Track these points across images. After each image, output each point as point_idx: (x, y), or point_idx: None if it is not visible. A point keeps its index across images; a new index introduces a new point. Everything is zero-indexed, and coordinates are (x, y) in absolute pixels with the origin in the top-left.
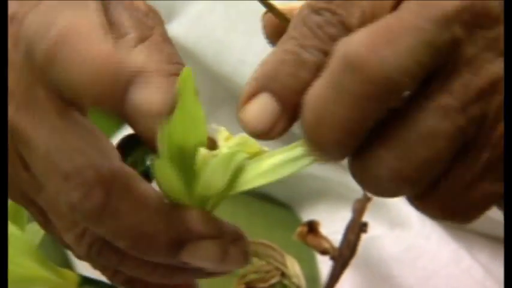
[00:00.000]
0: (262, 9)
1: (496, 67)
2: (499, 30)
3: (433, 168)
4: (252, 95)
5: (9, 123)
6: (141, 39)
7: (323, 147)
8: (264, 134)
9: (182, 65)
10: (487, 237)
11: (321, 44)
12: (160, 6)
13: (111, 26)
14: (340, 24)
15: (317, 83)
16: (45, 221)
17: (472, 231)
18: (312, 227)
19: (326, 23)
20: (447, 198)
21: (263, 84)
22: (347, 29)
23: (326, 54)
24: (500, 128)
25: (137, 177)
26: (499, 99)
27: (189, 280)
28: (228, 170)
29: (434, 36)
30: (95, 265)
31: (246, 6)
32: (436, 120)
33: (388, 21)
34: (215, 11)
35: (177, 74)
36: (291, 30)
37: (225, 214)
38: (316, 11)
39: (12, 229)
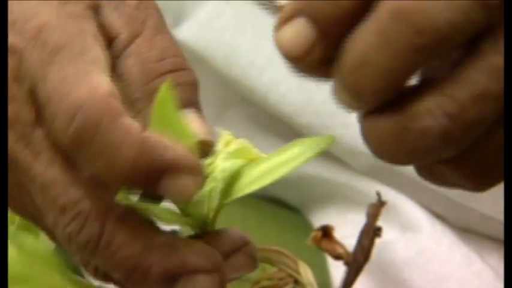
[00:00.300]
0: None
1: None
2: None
3: (479, 130)
4: (289, 17)
5: (10, 152)
6: (133, 37)
7: (360, 93)
8: (299, 58)
9: (179, 57)
10: (497, 240)
11: None
12: (168, 10)
13: (103, 29)
14: None
15: (362, 28)
16: (54, 239)
17: (482, 234)
18: (326, 232)
19: None
20: (480, 162)
21: (300, 8)
22: None
23: None
24: None
25: (132, 209)
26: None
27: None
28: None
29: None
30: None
31: (254, 8)
32: (488, 81)
33: None
34: (224, 14)
35: (172, 70)
36: None
37: (236, 218)
38: None
39: (32, 241)
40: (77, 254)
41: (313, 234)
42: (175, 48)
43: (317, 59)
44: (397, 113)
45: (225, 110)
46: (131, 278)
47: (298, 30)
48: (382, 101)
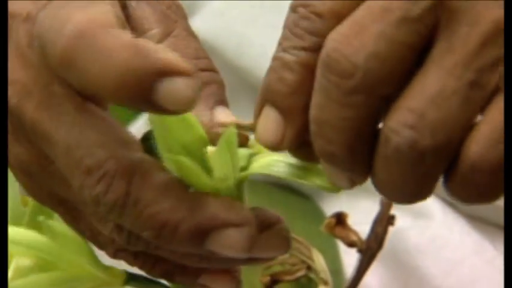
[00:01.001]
0: (284, 2)
1: (495, 10)
2: None
3: (453, 130)
4: (260, 109)
5: (29, 121)
6: (166, 34)
7: (333, 156)
8: (275, 145)
9: (208, 59)
10: None
11: (299, 42)
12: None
13: (134, 22)
14: (313, 15)
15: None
16: (76, 221)
17: (493, 223)
18: (340, 219)
19: (300, 18)
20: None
21: (263, 96)
22: (320, 17)
23: (306, 50)
24: None
25: (159, 167)
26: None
27: (226, 266)
28: (232, 153)
29: (405, 11)
30: (132, 261)
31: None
32: (444, 80)
33: (357, 13)
34: (236, 5)
35: (204, 69)
36: (280, 37)
37: (248, 204)
38: (293, 9)
39: (62, 227)
40: (106, 214)
41: (327, 221)
42: (205, 51)
43: (291, 140)
44: (377, 148)
45: (236, 99)
46: (160, 236)
47: (268, 118)
48: (361, 153)
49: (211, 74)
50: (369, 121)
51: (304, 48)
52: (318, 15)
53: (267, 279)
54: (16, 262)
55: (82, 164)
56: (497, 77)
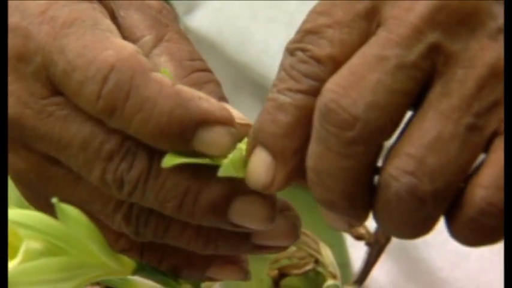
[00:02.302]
0: None
1: (491, 50)
2: (482, 16)
3: (453, 174)
4: (251, 149)
5: (31, 129)
6: (158, 39)
7: (333, 203)
8: (266, 188)
9: (202, 60)
10: None
11: (295, 84)
12: None
13: (125, 31)
14: (311, 59)
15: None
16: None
17: None
18: None
19: (298, 61)
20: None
21: (255, 138)
22: (318, 62)
23: (303, 92)
24: None
25: None
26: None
27: (232, 252)
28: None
29: (400, 58)
30: (139, 258)
31: None
32: (441, 125)
33: (352, 62)
34: (237, 1)
35: (200, 70)
36: (275, 78)
37: None
38: (291, 52)
39: (75, 212)
40: (110, 215)
41: None
42: (198, 53)
43: (282, 183)
44: (377, 192)
45: (239, 94)
46: (182, 206)
47: (259, 160)
48: (361, 200)
49: (207, 74)
50: (368, 169)
51: (300, 91)
52: (316, 59)
53: (275, 273)
54: (26, 245)
55: (102, 150)
56: (496, 119)
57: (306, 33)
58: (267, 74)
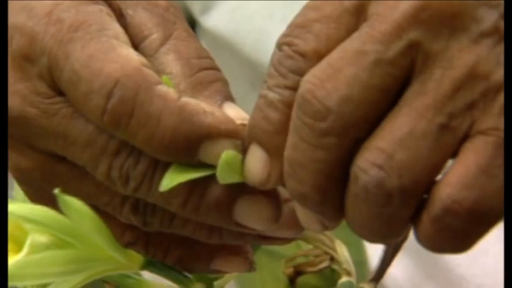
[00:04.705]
0: None
1: (471, 53)
2: (465, 19)
3: (421, 172)
4: (247, 144)
5: (38, 128)
6: (166, 37)
7: (306, 200)
8: (262, 184)
9: (210, 58)
10: None
11: (282, 80)
12: None
13: (133, 29)
14: (296, 54)
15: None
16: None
17: None
18: None
19: (285, 57)
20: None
21: (249, 135)
22: (303, 57)
23: (290, 88)
24: (496, 109)
25: None
26: (482, 84)
27: (236, 241)
28: (235, 168)
29: (379, 54)
30: (144, 251)
31: None
32: (414, 122)
33: (332, 56)
34: (253, 0)
35: (207, 68)
36: (266, 74)
37: None
38: (279, 46)
39: (79, 204)
40: (118, 206)
41: None
42: (206, 50)
43: (278, 178)
44: (348, 186)
45: (253, 91)
46: (188, 202)
47: (254, 157)
48: (332, 194)
49: (214, 73)
50: (341, 163)
51: (287, 87)
52: (301, 54)
53: (291, 270)
54: (32, 238)
55: (108, 147)
56: (469, 121)
57: (295, 27)
58: None
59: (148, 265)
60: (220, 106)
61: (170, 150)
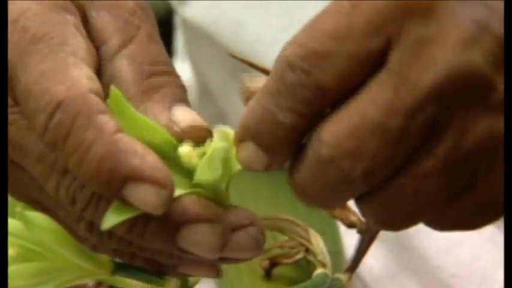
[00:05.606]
0: None
1: (483, 126)
2: (483, 92)
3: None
4: (241, 140)
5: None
6: (125, 43)
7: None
8: (262, 171)
9: (167, 64)
10: None
11: (295, 106)
12: None
13: (95, 33)
14: (314, 87)
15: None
16: (53, 217)
17: None
18: None
19: (300, 85)
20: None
21: (248, 134)
22: (322, 91)
23: (302, 116)
24: (495, 175)
25: None
26: (488, 158)
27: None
28: (219, 162)
29: (402, 128)
30: (112, 254)
31: None
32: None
33: (354, 122)
34: None
35: (159, 74)
36: (269, 82)
37: (247, 187)
38: (292, 67)
39: (39, 218)
40: (75, 221)
41: None
42: (166, 57)
43: (278, 167)
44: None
45: (233, 80)
46: (133, 230)
47: (252, 154)
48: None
49: (167, 78)
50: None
51: (301, 115)
52: (321, 89)
53: (266, 263)
54: None
55: (56, 165)
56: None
57: (312, 54)
58: (261, 63)
59: (118, 270)
60: (170, 109)
61: (95, 181)
